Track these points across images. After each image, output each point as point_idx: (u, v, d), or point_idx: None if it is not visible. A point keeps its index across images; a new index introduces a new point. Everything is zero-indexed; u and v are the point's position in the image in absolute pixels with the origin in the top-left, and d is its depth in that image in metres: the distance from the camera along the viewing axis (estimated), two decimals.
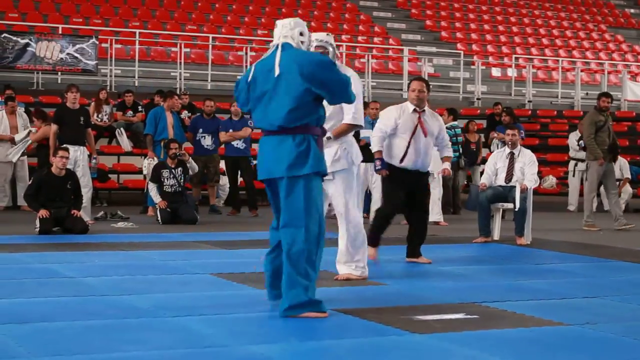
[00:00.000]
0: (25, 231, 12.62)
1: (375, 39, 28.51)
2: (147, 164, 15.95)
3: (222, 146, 16.98)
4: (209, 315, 6.75)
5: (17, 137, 16.53)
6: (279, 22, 7.06)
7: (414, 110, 9.88)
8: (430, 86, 10.31)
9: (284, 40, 6.89)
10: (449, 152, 10.44)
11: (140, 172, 17.77)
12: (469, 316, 6.89)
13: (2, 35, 20.15)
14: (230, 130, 16.62)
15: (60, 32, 21.78)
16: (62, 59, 20.40)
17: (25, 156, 16.77)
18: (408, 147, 9.83)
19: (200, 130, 16.78)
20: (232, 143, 16.61)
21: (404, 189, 9.95)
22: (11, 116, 16.62)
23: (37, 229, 12.41)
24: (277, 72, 6.75)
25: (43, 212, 12.42)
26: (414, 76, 25.23)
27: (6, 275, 8.59)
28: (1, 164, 16.56)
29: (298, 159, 6.73)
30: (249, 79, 6.97)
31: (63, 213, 12.68)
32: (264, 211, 17.24)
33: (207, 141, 16.72)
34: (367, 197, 15.48)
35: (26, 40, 20.24)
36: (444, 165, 10.68)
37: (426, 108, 10.02)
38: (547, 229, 14.04)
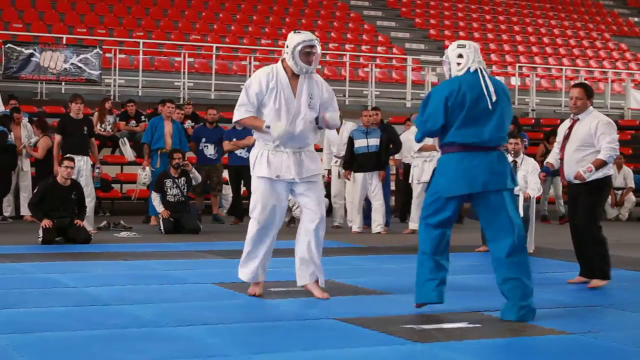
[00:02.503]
0: (28, 241, 12.63)
1: (379, 48, 28.53)
2: (139, 173, 16.04)
3: (225, 155, 17.02)
4: (211, 325, 6.77)
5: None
6: (469, 44, 7.63)
7: (570, 118, 9.40)
8: (590, 90, 9.41)
9: (479, 65, 7.52)
10: (602, 155, 9.04)
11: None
12: (471, 325, 6.89)
13: (7, 46, 20.18)
14: (234, 139, 16.63)
15: (64, 42, 21.80)
16: (66, 69, 20.44)
17: (29, 166, 16.78)
18: (561, 158, 9.33)
19: (203, 139, 16.82)
20: (236, 152, 16.63)
21: (574, 206, 9.40)
22: (16, 127, 16.64)
23: (40, 239, 12.42)
24: (494, 97, 7.38)
25: (46, 222, 12.43)
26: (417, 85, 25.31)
27: (9, 285, 8.61)
28: None
29: (513, 172, 7.59)
30: (454, 98, 7.36)
31: (66, 223, 12.70)
32: None
33: (210, 150, 16.77)
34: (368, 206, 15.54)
35: (30, 51, 20.27)
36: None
37: (582, 115, 9.21)
38: (549, 238, 14.04)
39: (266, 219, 8.16)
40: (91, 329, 6.53)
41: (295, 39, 8.12)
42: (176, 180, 14.77)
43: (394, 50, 28.75)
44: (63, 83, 21.01)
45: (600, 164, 9.06)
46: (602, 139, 9.04)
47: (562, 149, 9.27)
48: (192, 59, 23.87)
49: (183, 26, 27.04)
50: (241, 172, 16.53)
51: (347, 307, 7.57)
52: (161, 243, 12.89)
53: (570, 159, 9.17)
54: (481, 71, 7.49)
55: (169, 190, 14.78)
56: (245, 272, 8.33)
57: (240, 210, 16.84)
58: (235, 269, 8.94)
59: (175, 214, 14.61)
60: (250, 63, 23.48)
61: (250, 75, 22.90)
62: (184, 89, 22.32)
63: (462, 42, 7.64)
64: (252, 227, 8.23)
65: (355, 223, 15.35)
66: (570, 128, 9.26)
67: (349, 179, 15.63)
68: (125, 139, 18.68)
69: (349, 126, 16.14)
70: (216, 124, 17.10)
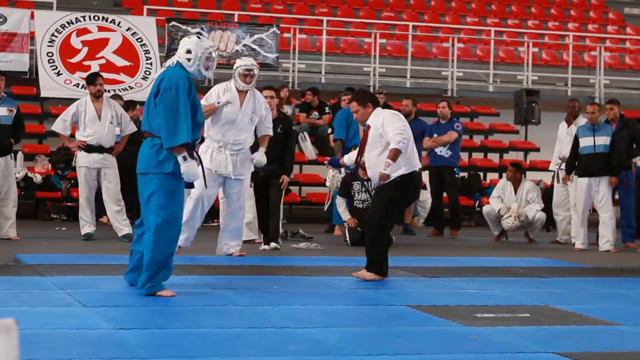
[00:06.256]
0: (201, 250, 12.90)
1: (609, 28, 28.05)
2: (332, 176, 16.07)
3: (424, 154, 17.07)
4: (406, 355, 6.77)
5: None
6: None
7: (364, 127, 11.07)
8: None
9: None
10: (393, 144, 10.51)
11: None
12: None
13: (171, 24, 20.75)
14: (435, 135, 16.62)
15: (236, 20, 22.26)
16: (237, 51, 20.85)
17: None
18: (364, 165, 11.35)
19: None
20: (436, 150, 16.62)
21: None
22: None
23: None
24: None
25: None
26: None
27: (172, 301, 8.81)
28: None
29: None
30: None
31: None
32: (467, 232, 17.21)
33: None
34: None
35: (197, 30, 20.76)
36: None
37: (369, 120, 10.75)
38: None
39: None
40: (268, 355, 6.62)
41: None
42: (365, 183, 14.83)
43: (628, 29, 28.20)
44: None
45: (396, 154, 10.38)
46: (388, 130, 10.46)
47: (360, 154, 11.05)
48: (384, 40, 23.97)
49: (374, 1, 27.15)
50: (442, 174, 16.52)
51: (568, 339, 7.48)
52: (346, 257, 12.98)
53: (373, 164, 10.70)
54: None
55: (356, 194, 14.88)
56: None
57: (441, 220, 16.83)
58: (434, 289, 8.98)
59: (363, 223, 14.69)
60: (453, 45, 23.44)
61: (452, 60, 22.94)
62: (374, 75, 22.48)
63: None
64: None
65: (578, 239, 15.15)
66: (366, 136, 10.84)
67: (566, 184, 15.49)
68: (305, 133, 18.91)
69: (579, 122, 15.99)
70: (415, 117, 17.08)
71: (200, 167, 9.24)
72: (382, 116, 10.67)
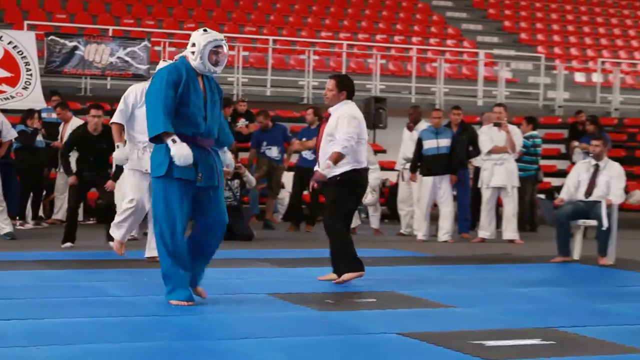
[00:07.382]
0: (75, 247, 12.79)
1: (449, 42, 28.48)
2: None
3: (286, 156, 17.15)
4: (267, 339, 6.82)
5: None
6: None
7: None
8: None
9: None
10: (337, 147, 9.62)
11: None
12: (544, 342, 6.87)
13: (49, 38, 20.44)
14: (304, 139, 16.65)
15: (110, 34, 22.04)
16: (112, 63, 20.64)
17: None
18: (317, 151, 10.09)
19: (265, 143, 16.88)
20: (302, 153, 16.73)
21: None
22: (65, 125, 16.68)
23: None
24: None
25: None
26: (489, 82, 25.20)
27: (49, 294, 8.73)
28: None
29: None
30: None
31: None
32: (320, 227, 17.28)
33: (273, 152, 16.86)
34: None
35: (74, 43, 20.49)
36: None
37: (334, 107, 9.86)
38: (632, 249, 13.94)
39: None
40: (138, 341, 6.61)
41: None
42: (229, 182, 14.81)
43: (465, 43, 28.67)
44: (109, 78, 21.22)
45: (338, 157, 9.58)
46: (340, 131, 9.62)
47: (318, 143, 9.97)
48: (246, 53, 23.98)
49: (237, 17, 27.17)
50: (307, 176, 16.54)
51: (410, 321, 7.60)
52: None
53: (322, 153, 9.80)
54: None
55: None
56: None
57: (299, 216, 16.90)
58: (291, 278, 9.04)
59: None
60: (308, 57, 23.53)
61: (309, 71, 23.04)
62: (237, 85, 22.45)
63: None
64: None
65: (421, 230, 15.37)
66: (326, 121, 9.92)
67: (414, 181, 15.70)
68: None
69: (421, 126, 16.23)
70: (274, 124, 17.16)
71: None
72: (340, 112, 9.75)
